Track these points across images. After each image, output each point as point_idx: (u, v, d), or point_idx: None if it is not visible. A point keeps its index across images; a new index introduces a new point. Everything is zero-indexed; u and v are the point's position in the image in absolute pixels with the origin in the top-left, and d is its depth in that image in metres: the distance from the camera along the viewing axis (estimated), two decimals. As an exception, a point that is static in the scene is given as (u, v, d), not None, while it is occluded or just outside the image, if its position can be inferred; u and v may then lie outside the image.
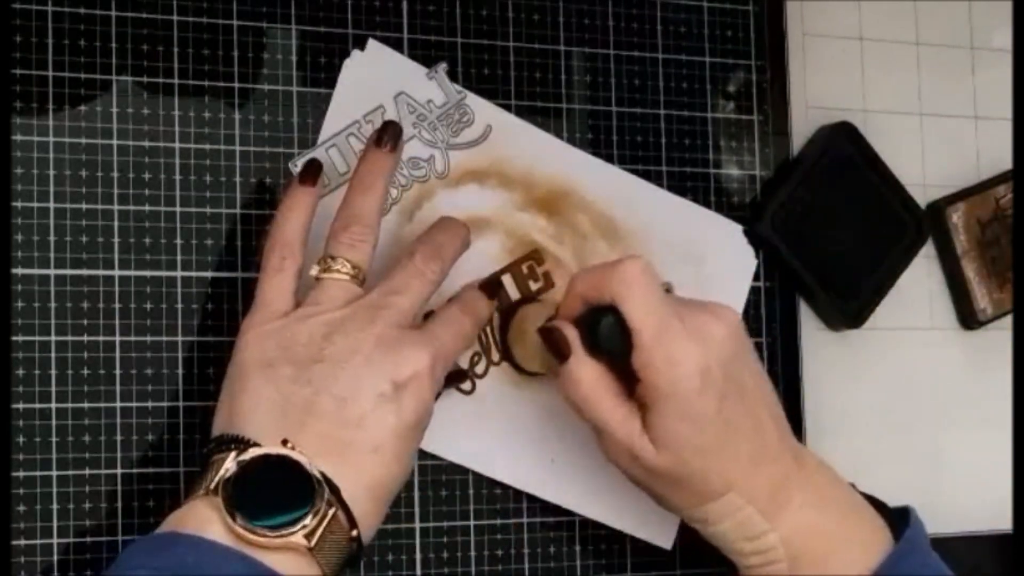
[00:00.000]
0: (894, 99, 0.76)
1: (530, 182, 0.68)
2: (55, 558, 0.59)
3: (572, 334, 0.59)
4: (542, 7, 0.69)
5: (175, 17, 0.63)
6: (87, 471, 0.60)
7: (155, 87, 0.63)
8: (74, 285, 0.61)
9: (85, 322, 0.61)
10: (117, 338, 0.61)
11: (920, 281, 0.76)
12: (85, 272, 0.61)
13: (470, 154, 0.67)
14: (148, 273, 0.62)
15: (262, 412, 0.54)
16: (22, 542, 0.59)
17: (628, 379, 0.59)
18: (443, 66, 0.67)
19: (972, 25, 0.79)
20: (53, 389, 0.60)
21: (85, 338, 0.60)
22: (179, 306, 0.62)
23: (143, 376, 0.61)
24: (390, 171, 0.59)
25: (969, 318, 0.76)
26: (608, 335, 0.58)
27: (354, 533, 0.53)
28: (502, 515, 0.66)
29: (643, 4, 0.71)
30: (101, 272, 0.61)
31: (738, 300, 0.71)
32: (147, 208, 0.62)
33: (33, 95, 0.61)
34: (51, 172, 0.61)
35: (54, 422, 0.60)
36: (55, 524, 0.59)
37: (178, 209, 0.62)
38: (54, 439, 0.60)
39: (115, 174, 0.62)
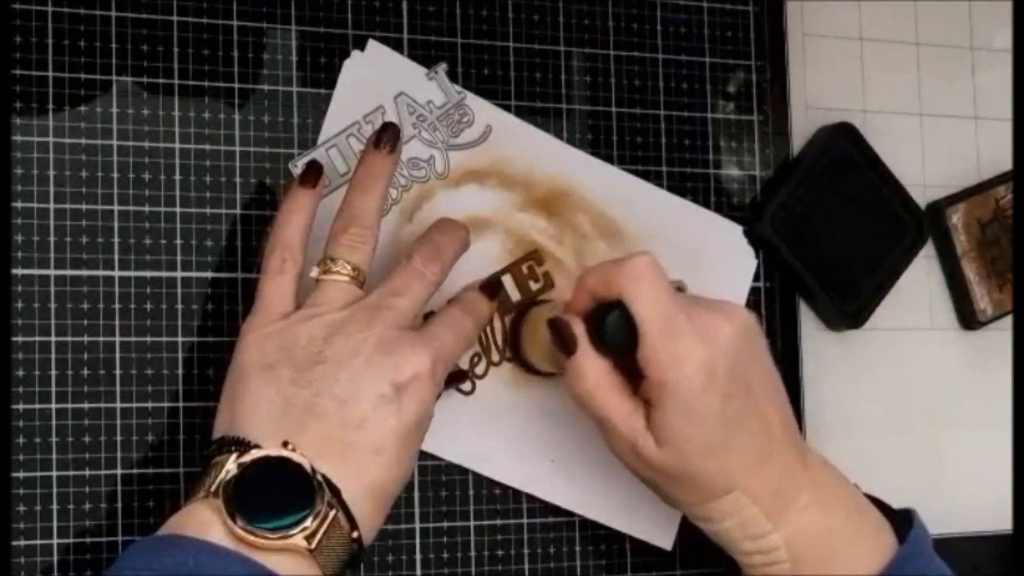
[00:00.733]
0: (894, 99, 0.76)
1: (530, 182, 0.68)
2: (55, 558, 0.59)
3: (579, 328, 0.59)
4: (542, 7, 0.69)
5: (175, 17, 0.63)
6: (87, 471, 0.60)
7: (155, 87, 0.63)
8: (74, 285, 0.61)
9: (85, 322, 0.61)
10: (117, 338, 0.61)
11: (920, 281, 0.76)
12: (85, 272, 0.61)
13: (470, 154, 0.67)
14: (148, 274, 0.62)
15: (262, 414, 0.54)
16: (22, 542, 0.59)
17: (634, 376, 0.59)
18: (443, 66, 0.67)
19: (972, 25, 0.79)
20: (53, 389, 0.60)
21: (85, 338, 0.60)
22: (179, 307, 0.62)
23: (143, 376, 0.61)
24: (389, 172, 0.59)
25: (969, 318, 0.76)
26: (614, 330, 0.58)
27: (355, 535, 0.53)
28: (502, 515, 0.66)
29: (643, 4, 0.71)
30: (101, 272, 0.61)
31: (738, 300, 0.71)
32: (147, 208, 0.62)
33: (33, 95, 0.61)
34: (51, 172, 0.61)
35: (54, 422, 0.60)
36: (55, 524, 0.59)
37: (178, 209, 0.62)
38: (54, 439, 0.60)
39: (115, 174, 0.62)
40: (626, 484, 0.68)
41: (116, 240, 0.61)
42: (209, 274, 0.63)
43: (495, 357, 0.66)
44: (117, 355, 0.61)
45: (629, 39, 0.71)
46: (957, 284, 0.76)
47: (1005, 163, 0.78)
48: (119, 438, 0.61)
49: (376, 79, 0.66)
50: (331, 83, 0.65)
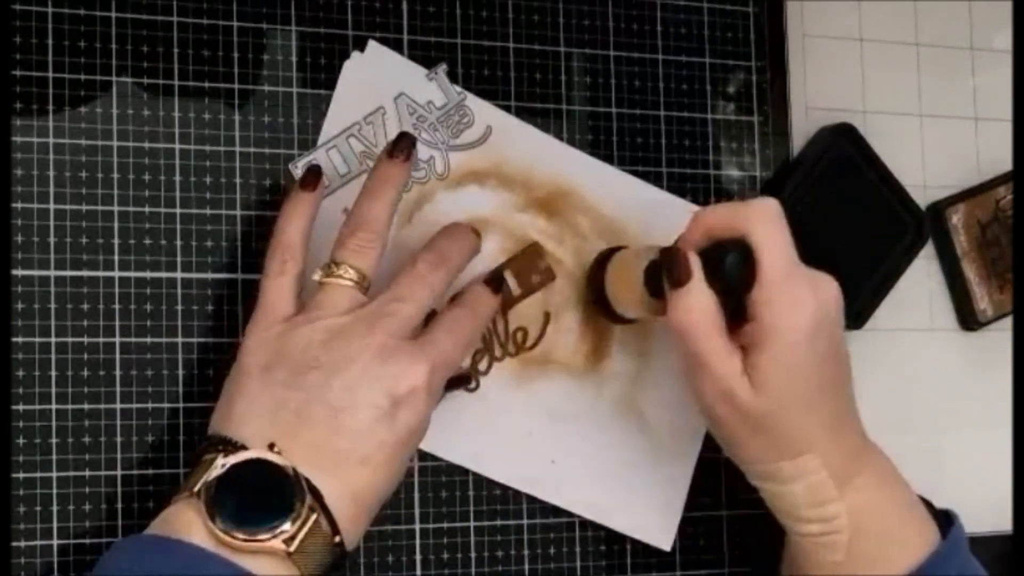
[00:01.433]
0: (894, 100, 0.76)
1: (530, 183, 0.68)
2: (55, 559, 0.59)
3: (695, 260, 0.58)
4: (542, 8, 0.69)
5: (175, 18, 0.63)
6: (87, 472, 0.60)
7: (155, 88, 0.63)
8: (74, 286, 0.61)
9: (85, 323, 0.61)
10: (117, 339, 0.61)
11: (920, 282, 0.76)
12: (85, 273, 0.61)
13: (470, 155, 0.67)
14: (148, 274, 0.62)
15: (254, 415, 0.54)
16: (22, 543, 0.59)
17: (738, 321, 0.58)
18: (443, 67, 0.67)
19: (972, 26, 0.79)
20: (53, 390, 0.60)
21: (85, 339, 0.60)
22: (179, 307, 0.62)
23: (143, 377, 0.61)
24: (402, 181, 0.59)
25: (969, 319, 0.76)
26: (733, 268, 0.57)
27: (337, 539, 0.53)
28: (502, 515, 0.66)
29: (643, 5, 0.71)
30: (101, 273, 0.61)
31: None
32: (147, 209, 0.62)
33: (33, 96, 0.61)
34: (51, 173, 0.61)
35: (54, 423, 0.60)
36: (55, 525, 0.59)
37: (178, 210, 0.62)
38: (54, 440, 0.60)
39: (115, 175, 0.62)
40: (626, 485, 0.68)
41: (116, 241, 0.61)
42: (209, 275, 0.63)
43: (498, 353, 0.66)
44: (117, 356, 0.61)
45: (629, 40, 0.71)
46: (957, 285, 0.76)
47: (1005, 164, 0.78)
48: (119, 439, 0.61)
49: (376, 80, 0.66)
50: (331, 84, 0.65)
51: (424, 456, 0.65)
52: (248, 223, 0.63)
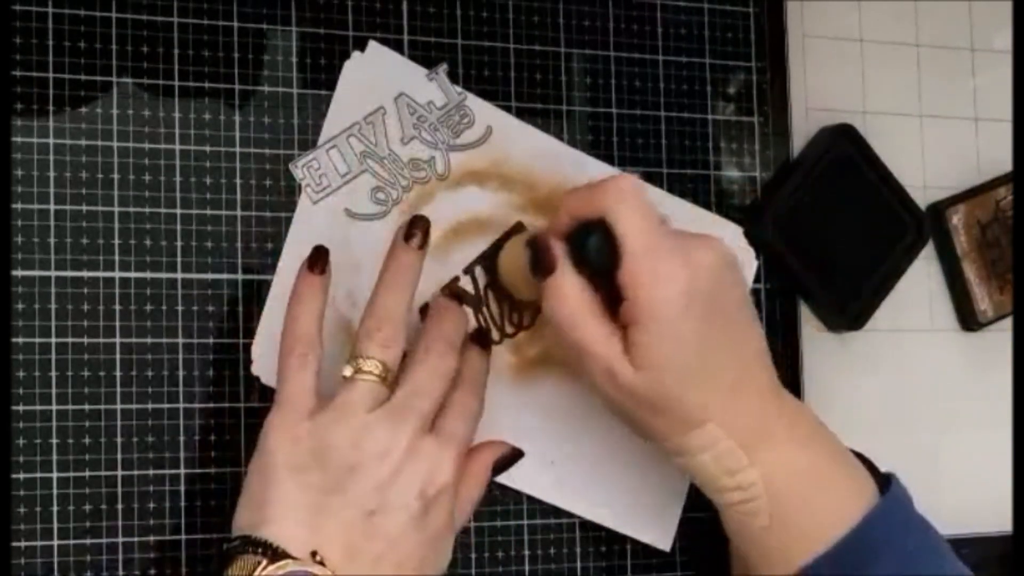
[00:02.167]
0: (894, 100, 0.76)
1: (530, 183, 0.68)
2: (55, 560, 0.59)
3: (559, 248, 0.58)
4: (542, 9, 0.69)
5: (175, 19, 0.63)
6: (87, 473, 0.60)
7: (155, 89, 0.63)
8: (74, 287, 0.61)
9: (85, 324, 0.61)
10: (117, 340, 0.61)
11: (920, 283, 0.76)
12: (85, 274, 0.61)
13: (471, 155, 0.67)
14: (148, 275, 0.62)
15: (291, 519, 0.54)
16: (22, 544, 0.59)
17: (612, 302, 0.58)
18: (444, 67, 0.67)
19: (972, 26, 0.79)
20: (53, 391, 0.60)
21: (85, 340, 0.60)
22: (179, 308, 0.62)
23: (143, 378, 0.61)
24: (419, 268, 0.59)
25: (969, 320, 0.76)
26: (596, 249, 0.57)
27: None
28: (502, 516, 0.66)
29: (643, 6, 0.71)
30: (101, 274, 0.61)
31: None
32: (147, 210, 0.62)
33: (33, 97, 0.61)
34: (51, 174, 0.61)
35: (54, 424, 0.60)
36: (55, 526, 0.59)
37: (178, 211, 0.62)
38: (54, 441, 0.60)
39: (115, 176, 0.62)
40: (625, 486, 0.68)
41: (116, 241, 0.61)
42: (209, 275, 0.63)
43: (495, 336, 0.66)
44: (117, 356, 0.61)
45: (629, 40, 0.71)
46: (957, 285, 0.76)
47: (1005, 164, 0.78)
48: (119, 439, 0.60)
49: (377, 80, 0.66)
50: (331, 84, 0.65)
51: (424, 457, 0.65)
52: (248, 224, 0.63)
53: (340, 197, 0.64)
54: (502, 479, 0.66)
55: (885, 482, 0.61)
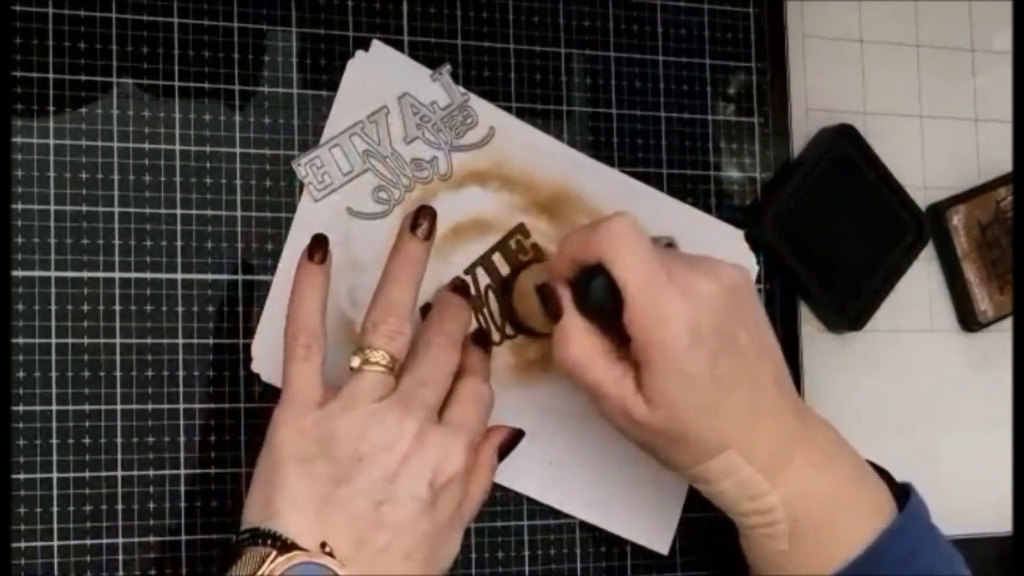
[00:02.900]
0: (894, 101, 0.76)
1: (532, 185, 0.68)
2: (55, 560, 0.59)
3: (565, 294, 0.59)
4: (542, 9, 0.69)
5: (175, 19, 0.63)
6: (87, 473, 0.60)
7: (155, 89, 0.63)
8: (74, 287, 0.60)
9: (85, 324, 0.60)
10: (117, 340, 0.61)
11: (920, 283, 0.76)
12: (85, 274, 0.61)
13: (473, 156, 0.67)
14: (148, 275, 0.62)
15: (299, 510, 0.54)
16: (22, 544, 0.59)
17: (622, 340, 0.58)
18: (447, 67, 0.67)
19: (972, 27, 0.79)
20: (53, 391, 0.60)
21: (85, 340, 0.60)
22: (179, 309, 0.62)
23: (143, 379, 0.61)
24: (425, 260, 0.59)
25: (969, 320, 0.76)
26: (599, 294, 0.57)
27: None
28: (502, 517, 0.66)
29: (643, 6, 0.71)
30: (101, 274, 0.61)
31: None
32: (147, 210, 0.62)
33: (33, 97, 0.61)
34: (51, 174, 0.61)
35: (54, 424, 0.60)
36: (55, 526, 0.59)
37: (178, 211, 0.62)
38: (54, 441, 0.60)
39: (115, 176, 0.62)
40: (624, 487, 0.68)
41: (116, 242, 0.61)
42: (209, 276, 0.62)
43: (496, 337, 0.66)
44: (117, 357, 0.61)
45: (629, 41, 0.71)
46: (957, 286, 0.76)
47: (1005, 164, 0.78)
48: (119, 440, 0.60)
49: (380, 79, 0.66)
50: (332, 85, 0.65)
51: (424, 457, 0.65)
52: (248, 224, 0.63)
53: (342, 195, 0.64)
54: (502, 480, 0.66)
55: (904, 495, 0.61)
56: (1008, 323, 0.77)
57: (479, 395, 0.60)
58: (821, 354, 0.73)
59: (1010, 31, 0.79)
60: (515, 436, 0.62)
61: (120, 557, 0.60)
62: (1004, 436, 0.76)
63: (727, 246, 0.71)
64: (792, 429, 0.59)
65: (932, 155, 0.77)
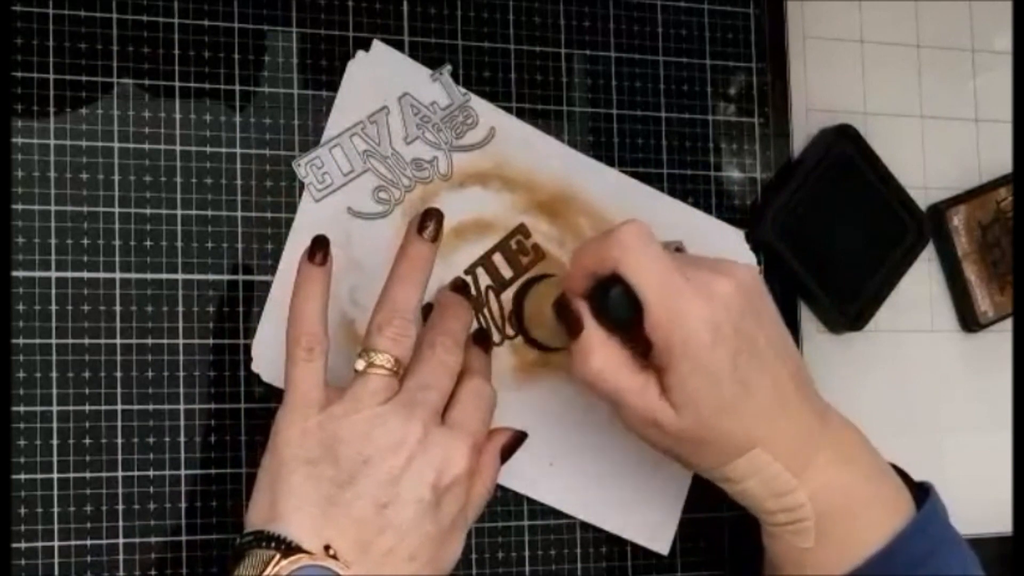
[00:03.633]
0: (895, 101, 0.76)
1: (532, 185, 0.68)
2: (56, 560, 0.59)
3: (583, 308, 0.59)
4: (543, 10, 0.69)
5: (176, 20, 0.63)
6: (87, 473, 0.60)
7: (156, 90, 0.63)
8: (75, 288, 0.60)
9: (86, 325, 0.60)
10: (118, 341, 0.61)
11: (921, 283, 0.76)
12: (86, 275, 0.61)
13: (473, 156, 0.67)
14: (149, 276, 0.62)
15: (303, 513, 0.54)
16: (23, 544, 0.59)
17: (642, 348, 0.58)
18: (448, 68, 0.67)
19: (973, 27, 0.79)
20: (54, 392, 0.60)
21: (86, 341, 0.60)
22: (180, 309, 0.62)
23: (143, 379, 0.61)
24: (431, 262, 0.59)
25: (970, 320, 0.76)
26: (617, 304, 0.57)
27: None
28: (502, 517, 0.66)
29: (643, 7, 0.71)
30: (102, 275, 0.61)
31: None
32: (148, 211, 0.62)
33: (34, 98, 0.61)
34: (52, 175, 0.61)
35: (55, 425, 0.60)
36: (55, 527, 0.59)
37: (179, 212, 0.62)
38: (55, 442, 0.60)
39: (116, 177, 0.62)
40: (624, 488, 0.68)
41: (117, 242, 0.61)
42: (210, 276, 0.62)
43: (496, 338, 0.66)
44: (118, 357, 0.61)
45: (630, 41, 0.71)
46: (958, 286, 0.76)
47: (1006, 165, 0.78)
48: (120, 440, 0.60)
49: (381, 79, 0.66)
50: (332, 85, 0.65)
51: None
52: (249, 224, 0.63)
53: (342, 195, 0.64)
54: (502, 480, 0.66)
55: (924, 495, 0.61)
56: (1008, 323, 0.77)
57: (481, 396, 0.60)
58: (821, 354, 0.73)
59: (1010, 31, 0.79)
60: (518, 438, 0.62)
61: (120, 557, 0.60)
62: (1004, 436, 0.76)
63: (727, 246, 0.71)
64: (813, 426, 0.60)
65: (932, 155, 0.77)
